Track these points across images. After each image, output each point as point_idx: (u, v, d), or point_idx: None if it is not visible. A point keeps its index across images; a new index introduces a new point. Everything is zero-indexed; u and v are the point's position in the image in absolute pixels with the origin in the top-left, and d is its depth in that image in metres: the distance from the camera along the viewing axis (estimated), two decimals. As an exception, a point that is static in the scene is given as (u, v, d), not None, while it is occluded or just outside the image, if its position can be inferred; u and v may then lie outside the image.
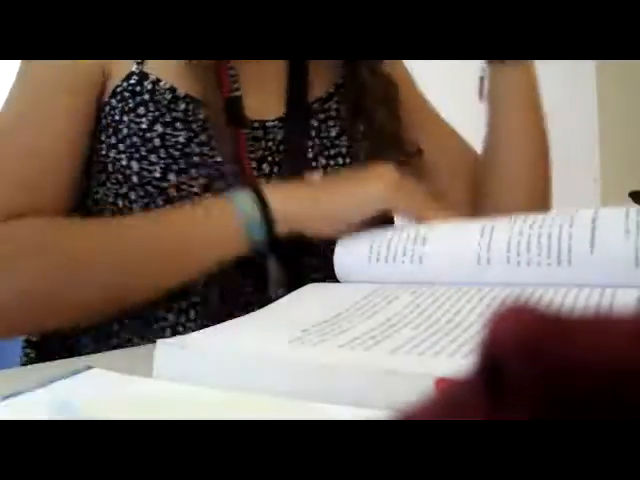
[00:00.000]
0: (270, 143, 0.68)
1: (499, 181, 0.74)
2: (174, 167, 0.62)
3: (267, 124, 0.68)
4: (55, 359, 0.63)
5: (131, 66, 0.64)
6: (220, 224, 0.59)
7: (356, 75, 0.73)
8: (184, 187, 0.62)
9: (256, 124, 0.67)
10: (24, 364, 0.69)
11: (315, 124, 0.70)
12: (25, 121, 0.63)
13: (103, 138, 0.64)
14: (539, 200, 0.73)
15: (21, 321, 0.59)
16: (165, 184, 0.62)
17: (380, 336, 0.39)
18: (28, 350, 0.69)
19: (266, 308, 0.50)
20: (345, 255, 0.58)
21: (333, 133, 0.71)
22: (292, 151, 0.68)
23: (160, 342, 0.40)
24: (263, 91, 0.69)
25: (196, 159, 0.62)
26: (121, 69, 0.64)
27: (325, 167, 0.69)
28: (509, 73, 0.72)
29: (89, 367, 0.40)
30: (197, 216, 0.60)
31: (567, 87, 1.68)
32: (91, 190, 0.66)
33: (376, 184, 0.59)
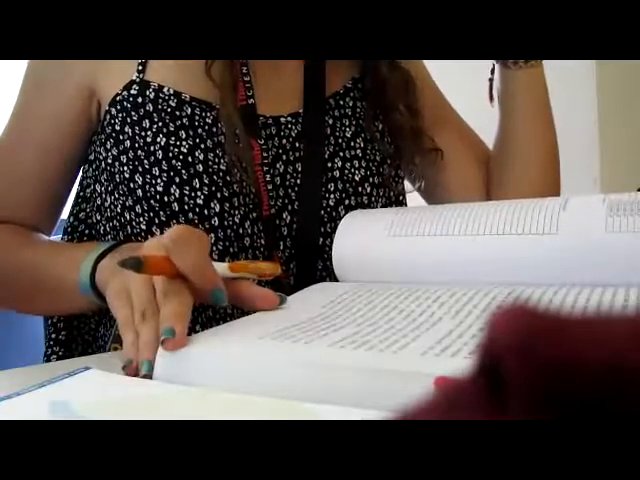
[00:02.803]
0: (284, 141, 0.66)
1: (512, 178, 0.75)
2: (176, 179, 0.61)
3: (281, 119, 0.66)
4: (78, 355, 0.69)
5: (131, 74, 0.63)
6: (68, 284, 0.58)
7: (376, 70, 0.72)
8: (186, 199, 0.61)
9: (270, 120, 0.66)
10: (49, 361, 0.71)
11: (330, 121, 0.69)
12: (8, 138, 0.68)
13: (108, 146, 0.64)
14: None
15: None
16: (168, 198, 0.61)
17: (379, 336, 0.39)
18: (56, 348, 0.71)
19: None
20: (342, 255, 0.58)
21: (349, 133, 0.69)
22: (309, 147, 0.66)
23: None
24: (278, 85, 0.67)
25: (199, 167, 0.61)
26: (118, 77, 0.63)
27: (341, 169, 0.68)
28: (521, 73, 0.72)
29: (87, 368, 0.40)
30: (53, 265, 0.61)
31: (567, 87, 1.68)
32: (102, 197, 0.67)
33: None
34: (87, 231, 0.70)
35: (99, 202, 0.67)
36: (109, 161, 0.64)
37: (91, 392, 0.37)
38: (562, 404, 0.14)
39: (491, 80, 0.76)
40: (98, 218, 0.68)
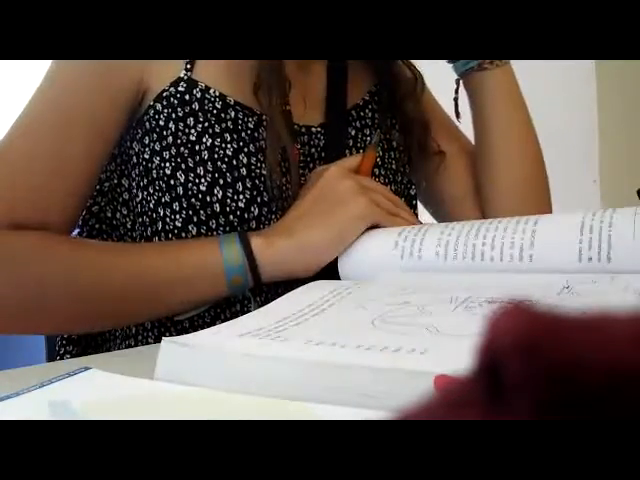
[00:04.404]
0: (313, 150, 0.69)
1: (494, 184, 0.74)
2: (220, 181, 0.62)
3: (312, 129, 0.69)
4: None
5: (179, 71, 0.63)
6: (203, 269, 0.58)
7: (391, 70, 0.76)
8: (228, 201, 0.62)
9: (303, 129, 0.68)
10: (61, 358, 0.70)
11: (353, 132, 0.72)
12: (46, 132, 0.61)
13: (146, 141, 0.64)
14: (538, 202, 0.73)
15: None
16: (210, 198, 0.62)
17: (379, 335, 0.39)
18: (69, 347, 0.71)
19: (266, 307, 0.50)
20: (349, 260, 0.58)
21: (370, 143, 0.72)
22: (333, 158, 0.69)
23: (165, 340, 0.40)
24: (308, 97, 0.70)
25: (243, 171, 0.63)
26: (167, 72, 0.63)
27: None
28: (497, 71, 0.73)
29: (87, 368, 0.40)
30: (182, 257, 0.59)
31: (567, 87, 1.68)
32: (130, 191, 0.67)
33: (357, 204, 0.60)
34: (97, 225, 0.70)
35: (126, 197, 0.68)
36: (145, 156, 0.64)
37: (91, 392, 0.37)
38: (563, 405, 0.14)
39: (456, 99, 0.77)
40: (125, 212, 0.68)
